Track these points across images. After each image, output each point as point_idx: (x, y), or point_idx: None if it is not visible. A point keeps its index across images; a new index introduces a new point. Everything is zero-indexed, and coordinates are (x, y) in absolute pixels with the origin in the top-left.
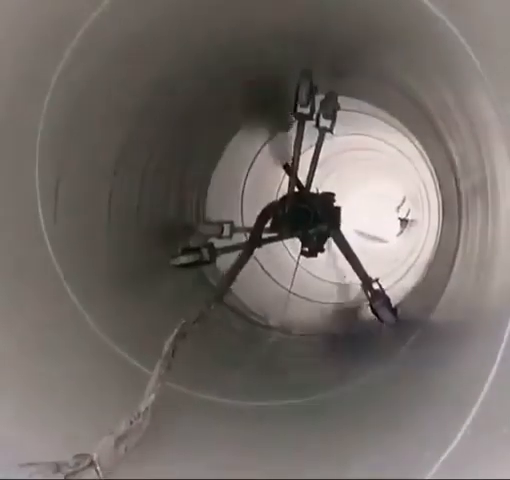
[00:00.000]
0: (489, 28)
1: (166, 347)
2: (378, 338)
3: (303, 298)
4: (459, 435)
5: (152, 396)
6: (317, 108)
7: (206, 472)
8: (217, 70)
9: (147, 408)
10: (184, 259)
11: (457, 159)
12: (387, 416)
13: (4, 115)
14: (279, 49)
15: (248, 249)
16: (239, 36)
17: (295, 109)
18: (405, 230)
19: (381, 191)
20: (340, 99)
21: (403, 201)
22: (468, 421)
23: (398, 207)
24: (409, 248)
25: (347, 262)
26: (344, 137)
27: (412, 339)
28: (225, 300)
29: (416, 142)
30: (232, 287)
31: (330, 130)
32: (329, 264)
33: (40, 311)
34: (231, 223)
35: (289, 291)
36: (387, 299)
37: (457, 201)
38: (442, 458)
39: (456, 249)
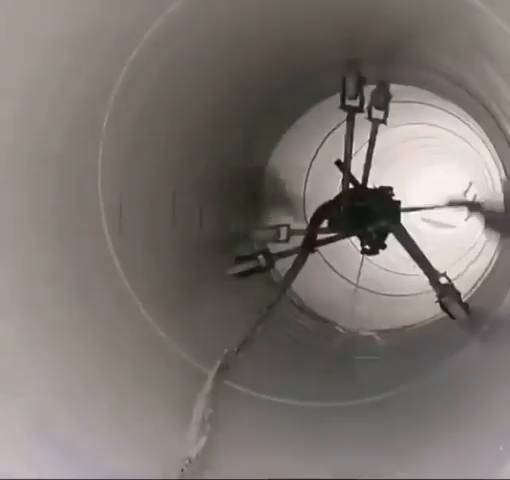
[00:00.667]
0: None
1: (207, 386)
2: (448, 330)
3: (371, 292)
4: None
5: (202, 440)
6: (367, 100)
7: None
8: (268, 71)
9: (197, 454)
10: (240, 268)
11: None
12: (457, 412)
13: (67, 134)
14: (325, 38)
15: (302, 254)
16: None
17: (343, 102)
18: (473, 214)
19: (446, 177)
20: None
21: (469, 185)
22: None
23: (465, 192)
24: (478, 232)
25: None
26: (401, 127)
27: (483, 331)
28: (291, 298)
29: (474, 127)
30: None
31: (383, 121)
32: (397, 254)
33: (110, 323)
34: (287, 226)
35: (356, 286)
36: (457, 293)
37: None
38: None
39: None
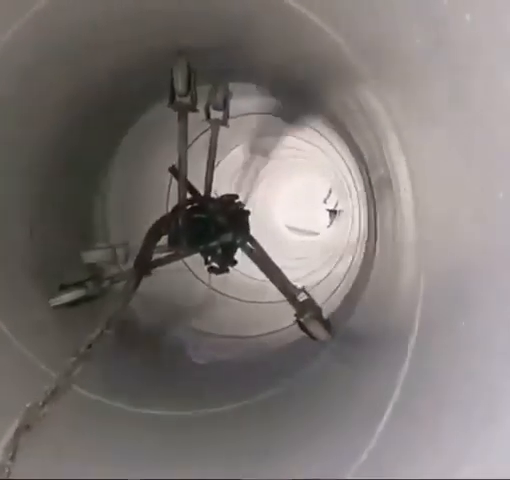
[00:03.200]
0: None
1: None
2: (299, 342)
3: (226, 296)
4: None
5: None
6: (203, 98)
7: None
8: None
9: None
10: (66, 297)
11: (365, 154)
12: (308, 419)
13: None
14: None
15: (135, 277)
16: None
17: (172, 99)
18: (335, 221)
19: (306, 185)
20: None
21: (329, 193)
22: (382, 424)
23: (325, 199)
24: (339, 238)
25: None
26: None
27: (334, 343)
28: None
29: (330, 140)
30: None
31: (224, 123)
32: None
33: None
34: (125, 245)
35: (210, 287)
36: (317, 310)
37: (371, 195)
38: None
39: (375, 243)
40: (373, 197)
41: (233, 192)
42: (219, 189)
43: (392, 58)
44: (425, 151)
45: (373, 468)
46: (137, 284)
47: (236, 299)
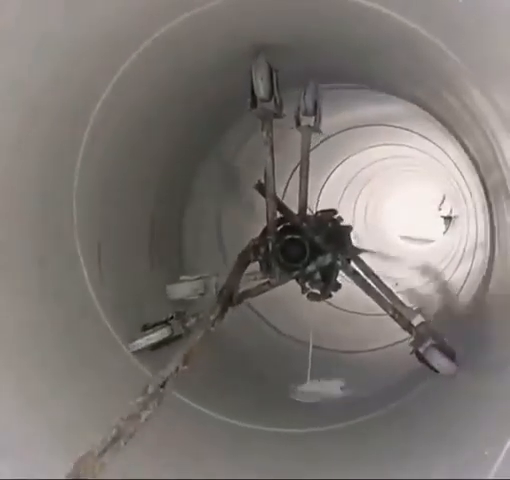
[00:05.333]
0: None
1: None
2: None
3: (341, 309)
4: None
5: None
6: (288, 103)
7: None
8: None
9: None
10: (146, 340)
11: (478, 157)
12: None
13: (38, 183)
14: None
15: (218, 309)
16: None
17: (254, 104)
18: (450, 227)
19: (419, 193)
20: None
21: (443, 199)
22: None
23: (439, 206)
24: (456, 245)
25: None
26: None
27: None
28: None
29: (441, 146)
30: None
31: (317, 129)
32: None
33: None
34: (215, 276)
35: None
36: (438, 337)
37: (487, 199)
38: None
39: (493, 249)
40: (489, 201)
41: (342, 206)
42: (326, 205)
43: (497, 56)
44: None
45: None
46: (221, 317)
47: (355, 313)
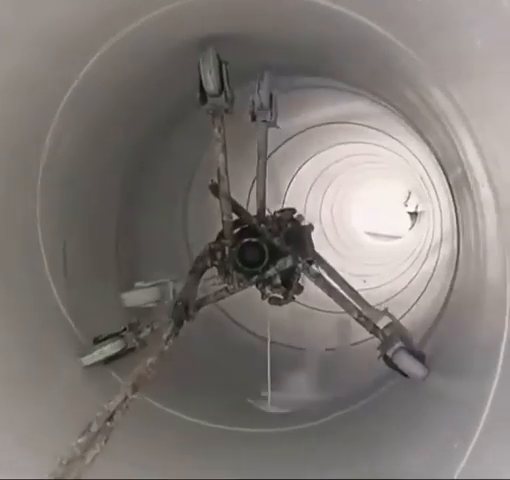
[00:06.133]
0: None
1: None
2: None
3: (305, 306)
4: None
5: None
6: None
7: None
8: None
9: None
10: (99, 353)
11: (440, 154)
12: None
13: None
14: None
15: (172, 324)
16: None
17: (203, 100)
18: (416, 223)
19: (385, 190)
20: None
21: (409, 195)
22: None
23: (405, 202)
24: (422, 240)
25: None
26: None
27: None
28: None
29: (405, 143)
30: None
31: (273, 124)
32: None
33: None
34: (172, 281)
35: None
36: (406, 339)
37: (451, 194)
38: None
39: (458, 243)
40: (453, 196)
41: (308, 204)
42: (293, 203)
43: (455, 54)
44: (498, 143)
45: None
46: (176, 333)
47: (323, 310)
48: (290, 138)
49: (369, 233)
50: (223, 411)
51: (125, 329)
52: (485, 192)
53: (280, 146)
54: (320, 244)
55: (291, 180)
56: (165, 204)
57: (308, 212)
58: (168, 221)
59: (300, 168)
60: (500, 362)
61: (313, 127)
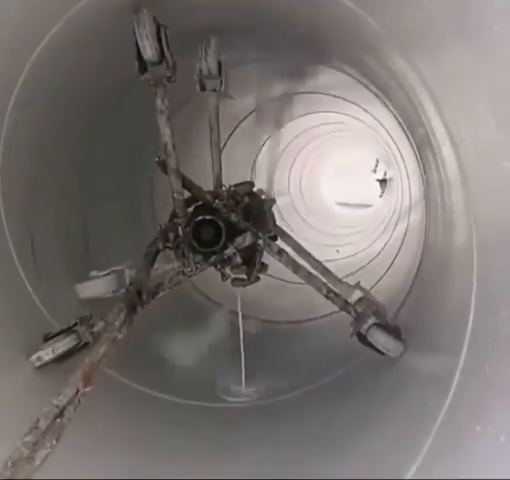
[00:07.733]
0: None
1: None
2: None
3: (275, 278)
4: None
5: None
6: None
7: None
8: None
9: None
10: (51, 351)
11: (404, 117)
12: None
13: None
14: None
15: (124, 311)
16: None
17: (143, 69)
18: (386, 190)
19: (352, 159)
20: None
21: (377, 163)
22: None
23: (373, 169)
24: (393, 207)
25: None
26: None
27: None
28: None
29: (368, 109)
30: None
31: (225, 94)
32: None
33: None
34: (127, 268)
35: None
36: (380, 313)
37: (416, 158)
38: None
39: (426, 210)
40: (418, 160)
41: (277, 176)
42: (262, 176)
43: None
44: (456, 103)
45: (432, 468)
46: (130, 321)
47: (283, 280)
48: (254, 110)
49: (340, 203)
50: (190, 384)
51: (76, 323)
52: (446, 150)
53: (246, 118)
54: (291, 217)
55: (258, 153)
56: (132, 186)
57: (276, 185)
58: (135, 205)
59: (266, 140)
60: (468, 333)
61: (278, 98)
